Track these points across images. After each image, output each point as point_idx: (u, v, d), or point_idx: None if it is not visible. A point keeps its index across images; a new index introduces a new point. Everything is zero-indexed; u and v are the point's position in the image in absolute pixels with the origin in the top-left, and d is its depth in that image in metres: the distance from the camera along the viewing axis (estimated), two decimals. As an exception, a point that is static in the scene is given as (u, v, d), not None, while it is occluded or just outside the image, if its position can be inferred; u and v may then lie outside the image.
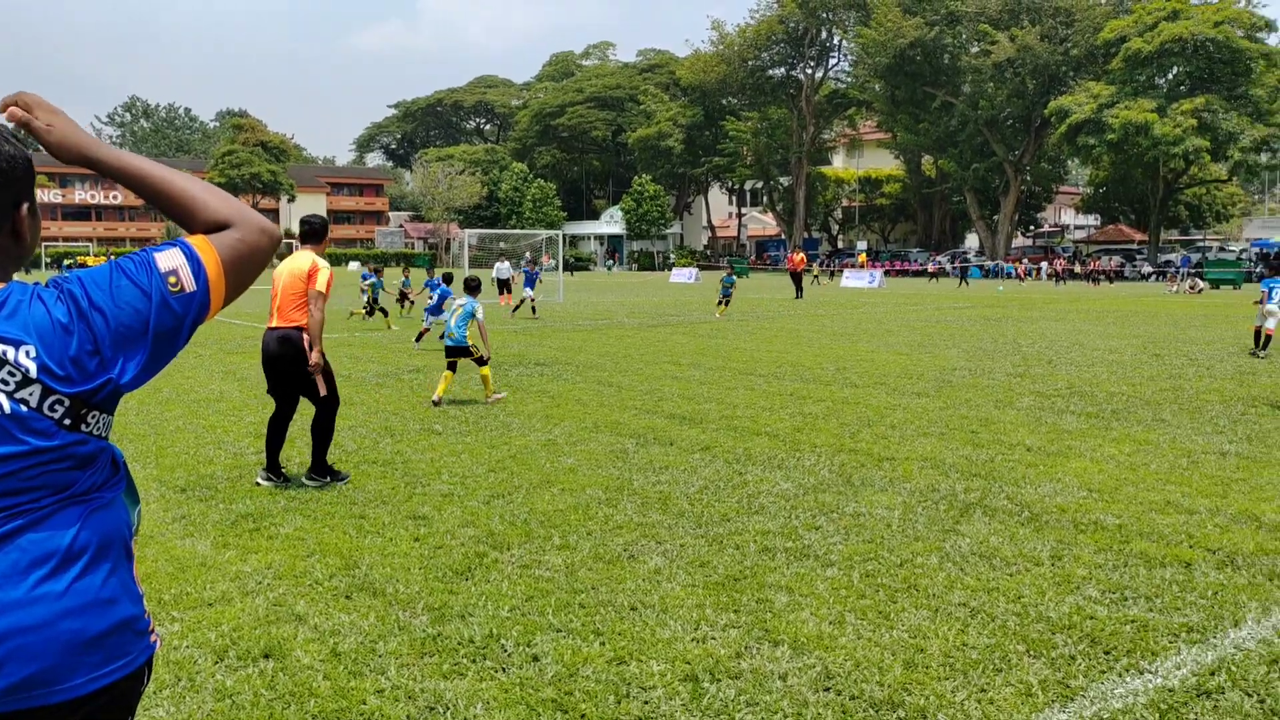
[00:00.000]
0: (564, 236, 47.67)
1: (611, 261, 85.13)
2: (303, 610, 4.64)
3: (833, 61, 77.63)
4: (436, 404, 10.49)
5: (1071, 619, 4.52)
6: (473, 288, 11.14)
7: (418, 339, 16.95)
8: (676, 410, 10.26)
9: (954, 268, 51.62)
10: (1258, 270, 48.45)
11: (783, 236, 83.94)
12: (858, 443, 8.53)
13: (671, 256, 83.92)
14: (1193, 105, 49.35)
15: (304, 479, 7.05)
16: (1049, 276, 52.27)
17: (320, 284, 6.82)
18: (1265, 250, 52.38)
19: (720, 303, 25.00)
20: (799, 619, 4.53)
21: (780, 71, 77.90)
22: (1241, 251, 57.17)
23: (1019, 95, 59.43)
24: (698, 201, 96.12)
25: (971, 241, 78.20)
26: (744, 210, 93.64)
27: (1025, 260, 60.57)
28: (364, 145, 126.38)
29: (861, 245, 76.33)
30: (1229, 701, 3.71)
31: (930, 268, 61.09)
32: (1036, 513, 6.27)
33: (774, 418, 9.81)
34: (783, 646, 4.24)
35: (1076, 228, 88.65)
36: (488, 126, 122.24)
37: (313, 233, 7.20)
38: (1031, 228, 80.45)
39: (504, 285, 29.02)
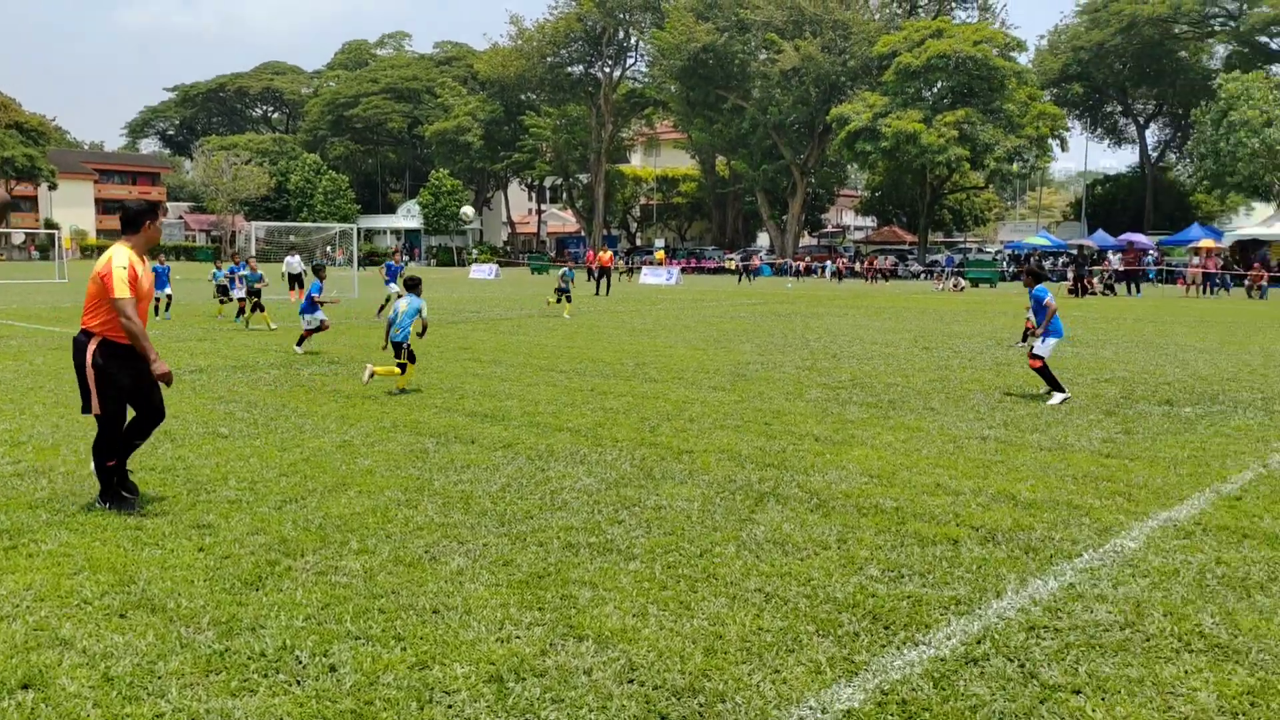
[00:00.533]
0: (358, 230, 46.07)
1: (408, 257, 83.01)
2: (69, 633, 4.27)
3: (630, 61, 78.91)
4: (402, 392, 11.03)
5: (856, 598, 4.81)
6: (414, 285, 11.74)
7: (299, 343, 15.31)
8: (478, 408, 10.15)
9: (739, 266, 53.68)
10: (1010, 270, 53.16)
11: (582, 234, 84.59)
12: (658, 436, 8.72)
13: (474, 252, 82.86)
14: (955, 117, 53.42)
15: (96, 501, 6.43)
16: (832, 275, 55.25)
17: (118, 290, 5.91)
18: (1017, 252, 57.46)
19: (559, 300, 24.01)
20: (603, 613, 4.58)
21: (579, 69, 78.41)
22: (996, 253, 62.41)
23: (804, 102, 62.43)
24: (497, 197, 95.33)
25: (763, 240, 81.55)
26: (544, 207, 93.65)
27: (808, 258, 63.82)
28: (137, 130, 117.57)
29: (659, 243, 78.04)
30: (993, 667, 4.05)
31: (732, 265, 63.14)
32: (824, 499, 6.62)
33: (576, 413, 9.87)
34: (587, 641, 4.28)
35: (856, 228, 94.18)
36: (275, 115, 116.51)
37: (125, 222, 6.27)
38: (816, 229, 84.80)
39: (295, 280, 27.74)
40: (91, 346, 6.05)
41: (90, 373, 6.04)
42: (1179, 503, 6.58)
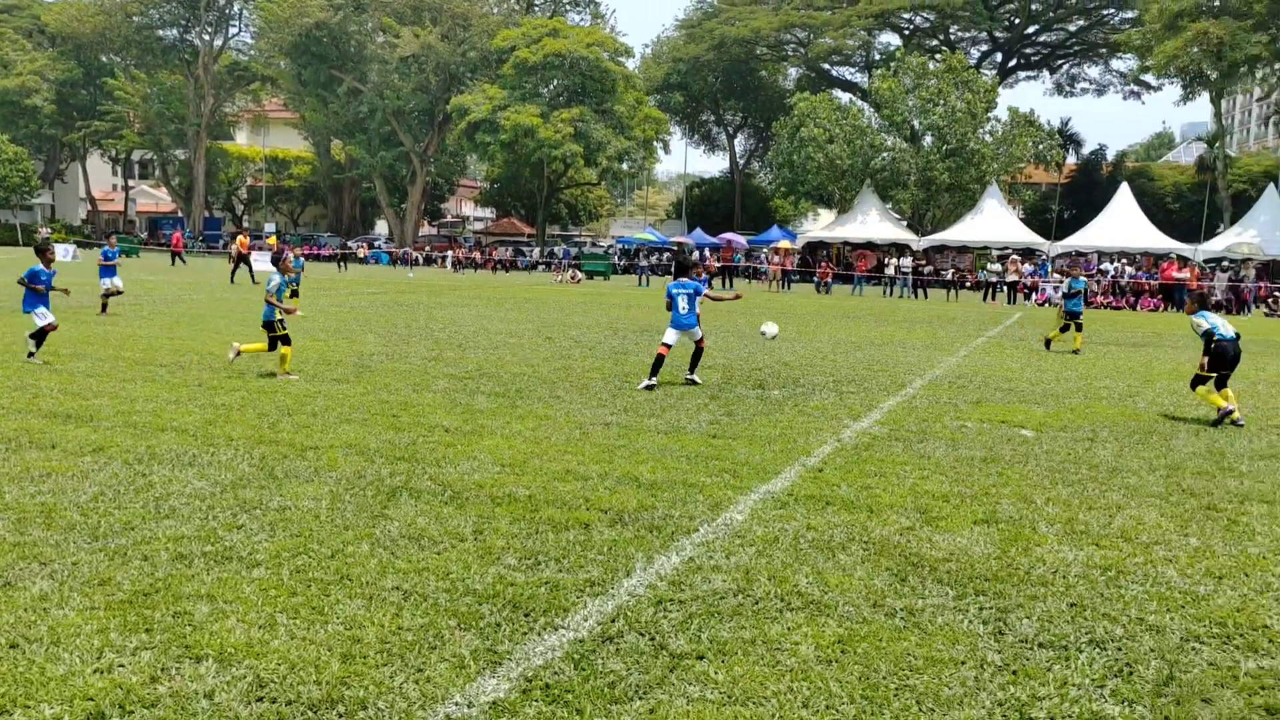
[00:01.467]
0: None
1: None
2: None
3: (234, 31, 73.11)
4: (282, 376, 11.05)
5: (495, 588, 4.83)
6: (276, 260, 11.94)
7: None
8: (58, 408, 8.90)
9: (335, 253, 52.03)
10: (622, 264, 56.44)
11: (180, 214, 77.14)
12: (278, 433, 8.18)
13: (46, 231, 72.34)
14: (570, 115, 55.55)
15: None
16: (453, 265, 55.18)
17: None
18: (627, 247, 61.06)
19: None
20: (224, 628, 4.21)
21: (173, 33, 71.21)
22: (609, 247, 65.94)
23: (424, 90, 61.62)
24: (73, 169, 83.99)
25: (381, 228, 79.45)
26: (132, 183, 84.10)
27: (429, 247, 63.25)
28: None
29: (270, 227, 73.20)
30: (628, 643, 4.26)
31: (361, 252, 60.65)
32: (458, 491, 6.58)
33: (181, 411, 8.99)
34: (207, 661, 3.91)
35: (476, 219, 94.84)
36: None
37: None
38: (436, 218, 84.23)
39: None
40: None
41: None
42: (775, 476, 7.35)
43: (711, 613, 4.62)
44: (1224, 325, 10.78)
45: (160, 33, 70.76)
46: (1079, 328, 18.18)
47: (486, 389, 11.05)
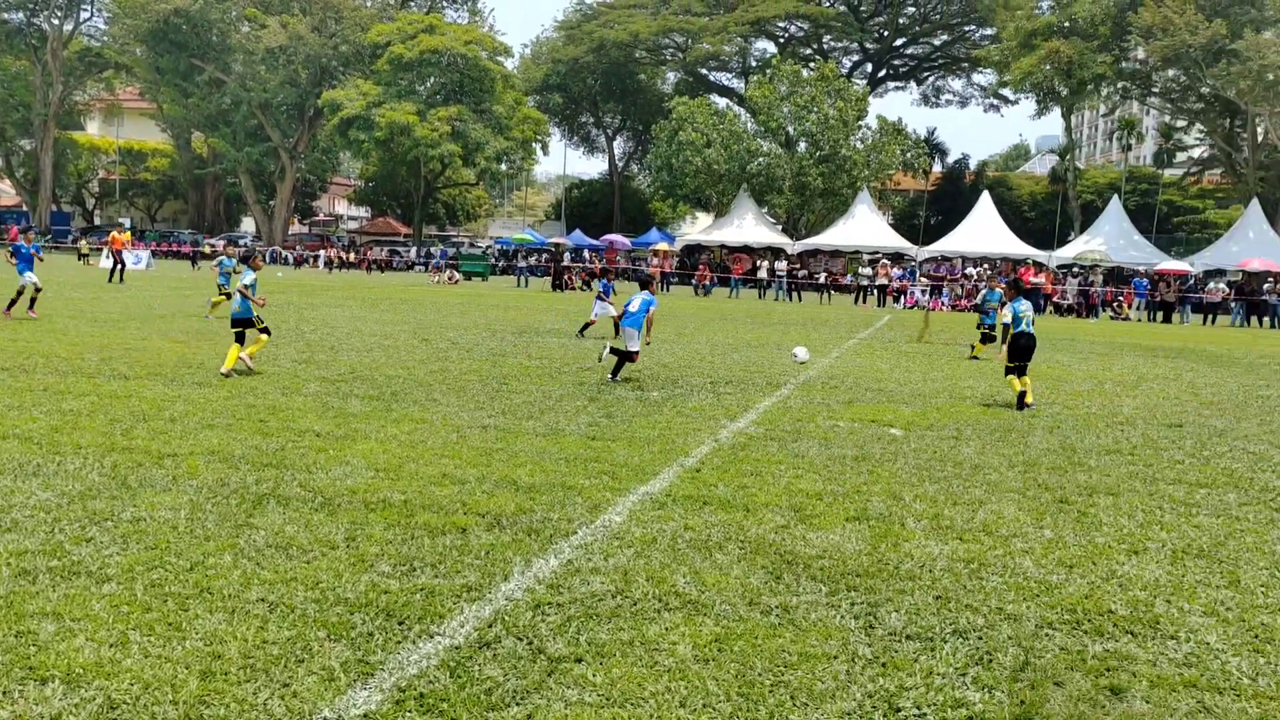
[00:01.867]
0: None
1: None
2: None
3: (85, 16, 69.20)
4: (227, 375, 11.17)
5: (368, 596, 4.69)
6: (247, 258, 12.47)
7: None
8: (-116, 416, 8.23)
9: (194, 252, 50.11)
10: (500, 265, 55.95)
11: (24, 207, 72.58)
12: (132, 440, 7.76)
13: None
14: (448, 113, 54.73)
15: None
16: (325, 264, 53.65)
17: None
18: (505, 248, 60.54)
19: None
20: (72, 648, 3.96)
21: (19, 16, 66.92)
22: (487, 248, 65.24)
23: (292, 83, 59.70)
24: (-96, 157, 78.08)
25: (248, 225, 76.58)
26: (-28, 173, 78.68)
27: (300, 246, 61.35)
28: None
29: (126, 222, 69.57)
30: (505, 648, 4.19)
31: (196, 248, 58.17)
32: (329, 497, 6.37)
33: (24, 417, 8.44)
34: (53, 683, 3.66)
35: (350, 218, 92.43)
36: None
37: None
38: (308, 216, 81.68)
39: None
40: None
41: None
42: (653, 477, 7.38)
43: (590, 615, 4.60)
44: (1028, 320, 12.08)
45: (5, 16, 66.41)
46: (987, 340, 17.80)
47: (360, 392, 10.76)
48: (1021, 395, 11.70)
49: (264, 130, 62.29)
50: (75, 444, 7.53)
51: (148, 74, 64.00)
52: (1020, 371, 11.87)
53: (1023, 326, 11.92)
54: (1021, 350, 11.86)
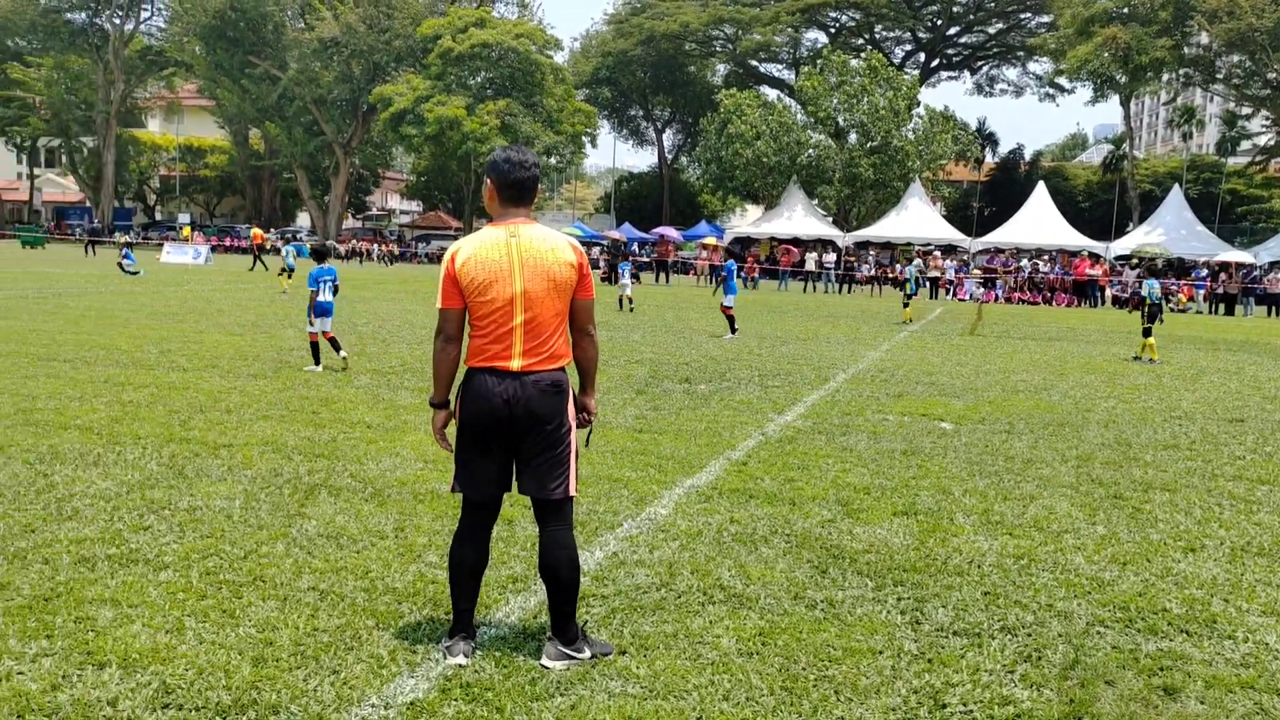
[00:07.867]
0: None
1: None
2: None
3: (145, 15, 70.72)
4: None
5: (415, 586, 4.75)
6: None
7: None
8: (-45, 406, 8.51)
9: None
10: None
11: (88, 204, 74.48)
12: (190, 431, 7.94)
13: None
14: (496, 107, 55.01)
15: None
16: (379, 258, 54.34)
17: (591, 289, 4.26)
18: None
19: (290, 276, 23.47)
20: (129, 633, 4.06)
21: (81, 17, 68.61)
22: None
23: (345, 79, 60.45)
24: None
25: (304, 220, 77.79)
26: (38, 171, 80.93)
27: (355, 240, 62.15)
28: None
29: (184, 218, 71.09)
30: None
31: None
32: (379, 488, 6.46)
33: (86, 408, 8.67)
34: (110, 668, 3.76)
35: (402, 213, 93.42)
36: None
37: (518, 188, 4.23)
38: (361, 211, 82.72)
39: None
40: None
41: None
42: (699, 470, 7.37)
43: (634, 607, 4.61)
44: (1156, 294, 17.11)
45: (68, 16, 68.11)
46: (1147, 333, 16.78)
47: (410, 384, 10.89)
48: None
49: (318, 125, 63.16)
50: (134, 434, 7.72)
51: (206, 71, 65.23)
52: (1147, 334, 16.24)
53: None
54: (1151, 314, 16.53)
